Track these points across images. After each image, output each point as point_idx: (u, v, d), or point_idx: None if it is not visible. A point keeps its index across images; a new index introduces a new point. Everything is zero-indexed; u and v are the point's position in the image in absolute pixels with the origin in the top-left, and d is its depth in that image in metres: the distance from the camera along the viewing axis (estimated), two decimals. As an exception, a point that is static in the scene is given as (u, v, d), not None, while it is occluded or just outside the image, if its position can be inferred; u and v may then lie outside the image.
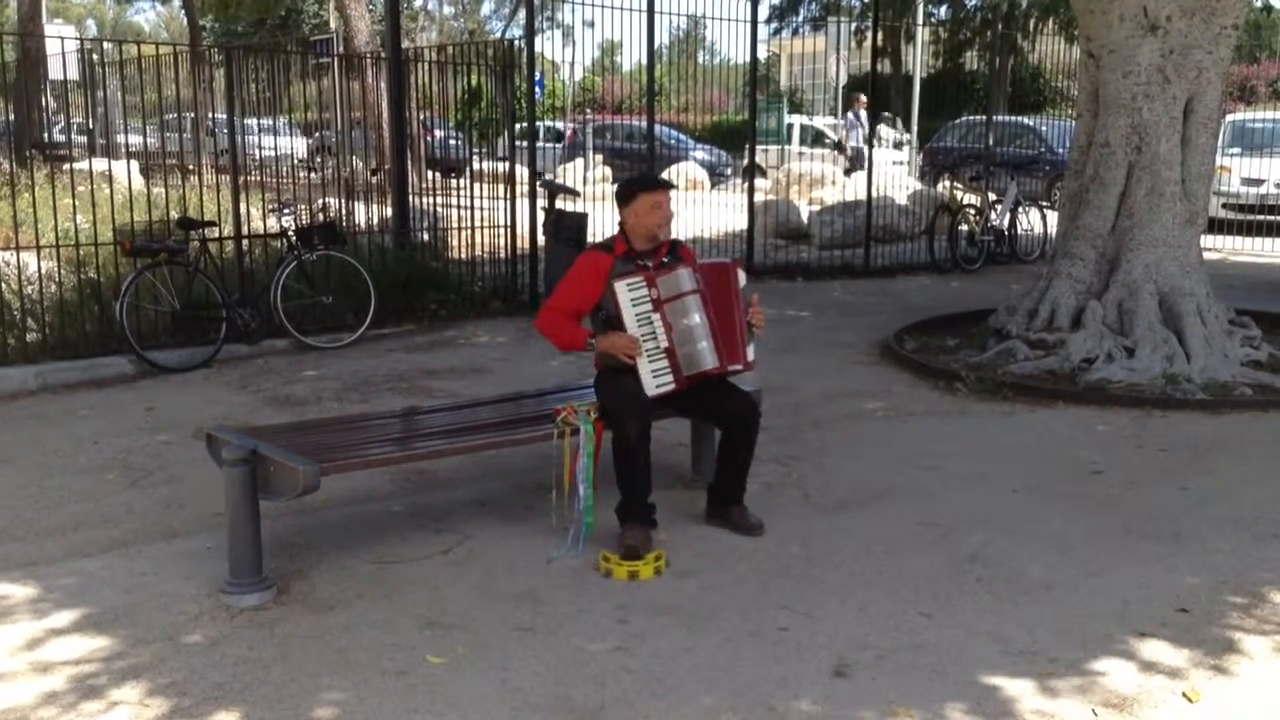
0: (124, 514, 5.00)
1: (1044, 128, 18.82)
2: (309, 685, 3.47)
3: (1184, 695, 3.43)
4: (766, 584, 4.24)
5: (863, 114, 18.40)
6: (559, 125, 20.43)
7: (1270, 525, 4.86)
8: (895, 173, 17.66)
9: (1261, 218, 15.23)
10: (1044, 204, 14.44)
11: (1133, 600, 4.10)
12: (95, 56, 10.21)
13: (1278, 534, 4.76)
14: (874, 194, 13.05)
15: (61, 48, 11.14)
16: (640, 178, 5.06)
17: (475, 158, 11.28)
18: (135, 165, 13.74)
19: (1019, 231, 13.47)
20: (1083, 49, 8.34)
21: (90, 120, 12.88)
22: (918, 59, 24.88)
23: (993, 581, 4.27)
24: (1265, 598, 4.12)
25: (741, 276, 4.78)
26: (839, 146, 19.70)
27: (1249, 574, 4.34)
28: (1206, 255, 8.58)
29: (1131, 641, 3.77)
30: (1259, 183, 15.30)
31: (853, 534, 4.76)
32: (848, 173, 16.90)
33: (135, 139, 15.20)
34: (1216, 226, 14.24)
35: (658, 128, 12.28)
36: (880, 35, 14.63)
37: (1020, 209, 13.47)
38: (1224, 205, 15.17)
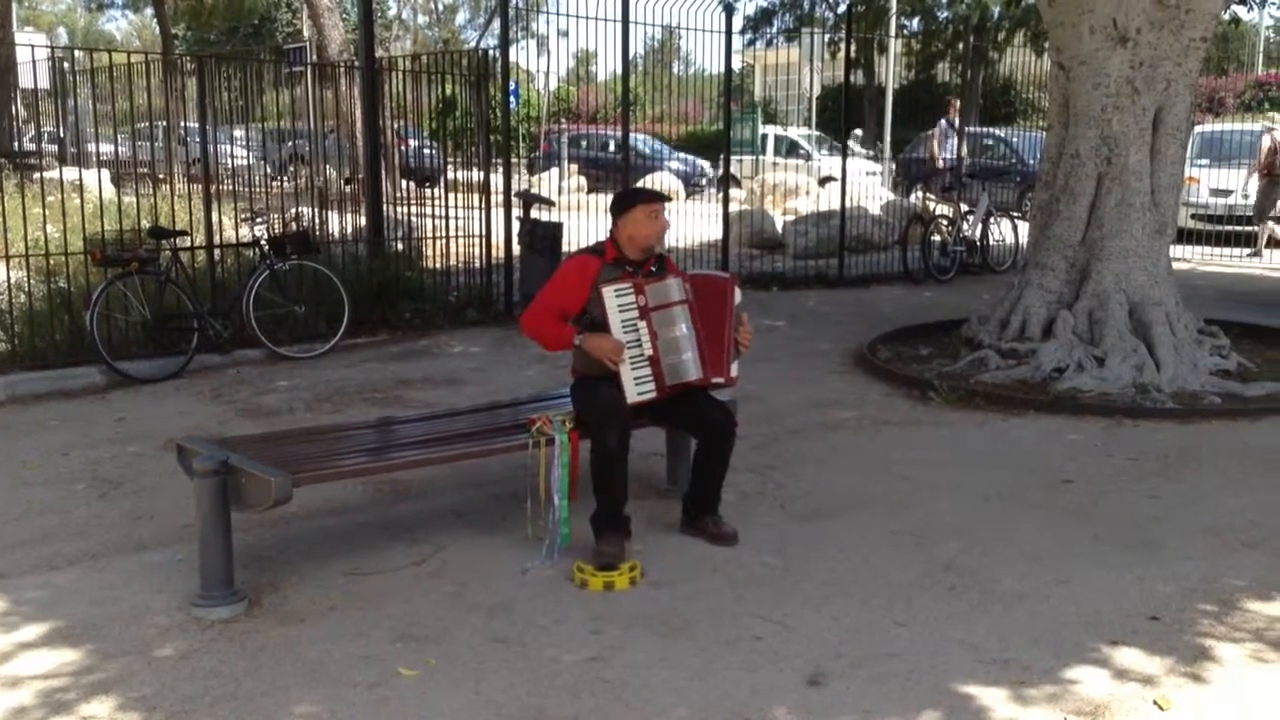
0: (93, 526, 4.95)
1: (1015, 139, 18.99)
2: (280, 698, 3.45)
3: (1155, 703, 3.45)
4: (741, 594, 4.24)
5: (957, 121, 15.71)
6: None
7: (1240, 533, 4.90)
8: (868, 183, 17.74)
9: (1230, 228, 15.41)
10: (1015, 214, 14.53)
11: (1104, 608, 4.12)
12: (66, 65, 10.14)
13: (1247, 541, 4.80)
14: (847, 204, 13.11)
15: (32, 56, 11.05)
16: (636, 189, 5.08)
17: (450, 167, 11.26)
18: (106, 174, 13.64)
19: (991, 242, 13.56)
20: (1053, 61, 8.41)
21: (61, 129, 12.78)
22: (890, 71, 25.04)
23: (966, 590, 4.29)
24: (1236, 605, 4.16)
25: (737, 293, 4.79)
26: (930, 160, 16.64)
27: (1219, 581, 4.37)
28: (1176, 265, 8.66)
29: (1103, 649, 3.79)
30: (1227, 193, 15.47)
31: (827, 543, 4.76)
32: (945, 190, 14.36)
33: (106, 148, 15.09)
34: (1185, 237, 14.39)
35: (633, 137, 12.29)
36: (853, 47, 14.68)
37: (992, 219, 13.56)
38: (1193, 216, 15.35)
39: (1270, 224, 15.24)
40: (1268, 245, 15.10)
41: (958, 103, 15.70)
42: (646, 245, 4.70)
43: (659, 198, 4.80)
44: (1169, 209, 8.05)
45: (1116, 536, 4.86)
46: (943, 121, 16.10)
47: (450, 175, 10.95)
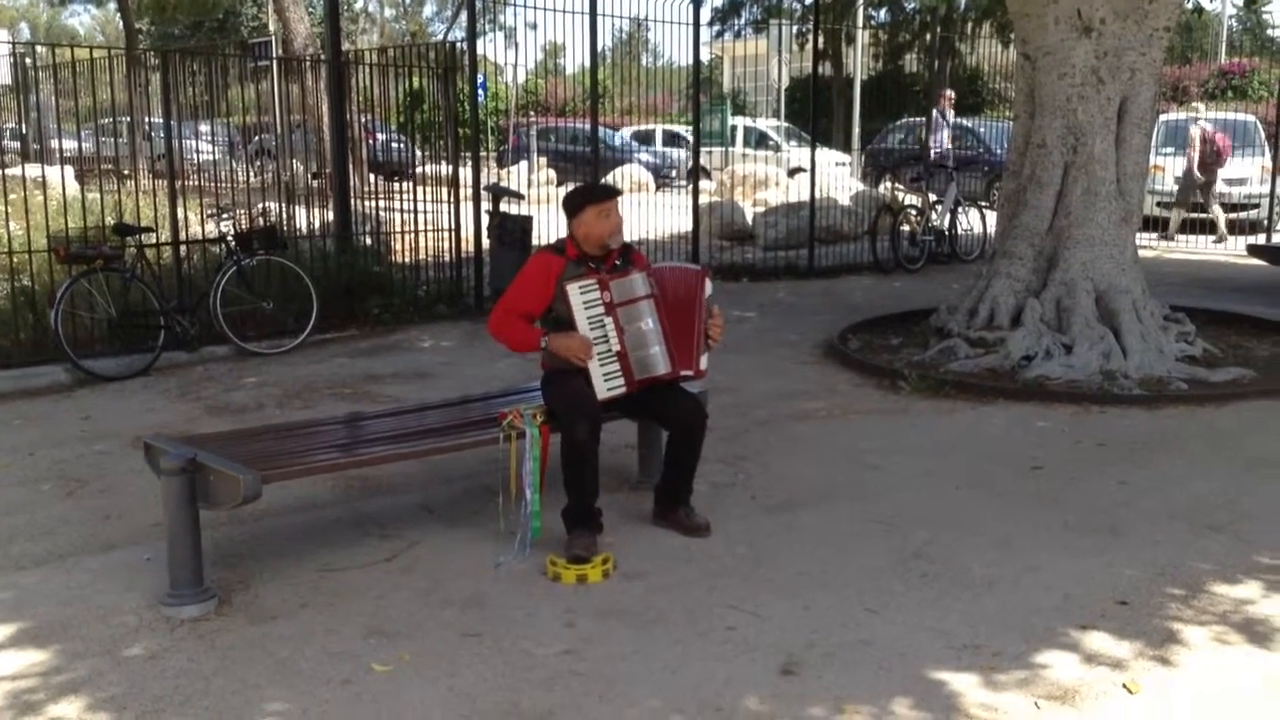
0: (60, 526, 4.90)
1: (982, 129, 19.09)
2: (251, 697, 3.42)
3: (1125, 686, 3.48)
4: (714, 584, 4.25)
5: (949, 112, 15.54)
6: None
7: (1206, 517, 4.95)
8: (838, 174, 17.78)
9: (1194, 215, 15.55)
10: (983, 204, 14.61)
11: (1073, 593, 4.16)
12: (29, 60, 10.04)
13: (1214, 526, 4.85)
14: (817, 195, 13.15)
15: (-8, 51, 10.93)
16: (585, 188, 5.04)
17: (418, 161, 11.21)
18: (70, 170, 13.50)
19: (959, 231, 13.63)
20: (1019, 51, 8.46)
21: (23, 125, 12.64)
22: (858, 61, 25.12)
23: (937, 577, 4.32)
24: (1203, 589, 4.20)
25: (708, 285, 4.78)
26: (922, 150, 16.46)
27: (1187, 566, 4.42)
28: (1141, 253, 8.74)
29: (1073, 634, 3.83)
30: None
31: (799, 533, 4.78)
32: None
33: (70, 144, 14.93)
34: (1151, 224, 14.53)
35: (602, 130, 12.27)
36: (821, 38, 14.71)
37: (960, 209, 13.63)
38: (1158, 204, 15.48)
39: (1180, 211, 15.45)
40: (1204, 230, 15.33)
41: (950, 94, 15.67)
42: (601, 243, 4.69)
43: (609, 195, 4.76)
44: (1135, 197, 8.12)
45: (1085, 522, 4.90)
46: (934, 111, 16.09)
47: (418, 169, 10.90)
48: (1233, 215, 15.57)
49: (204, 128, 11.80)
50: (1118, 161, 7.99)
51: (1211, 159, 15.08)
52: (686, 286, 4.72)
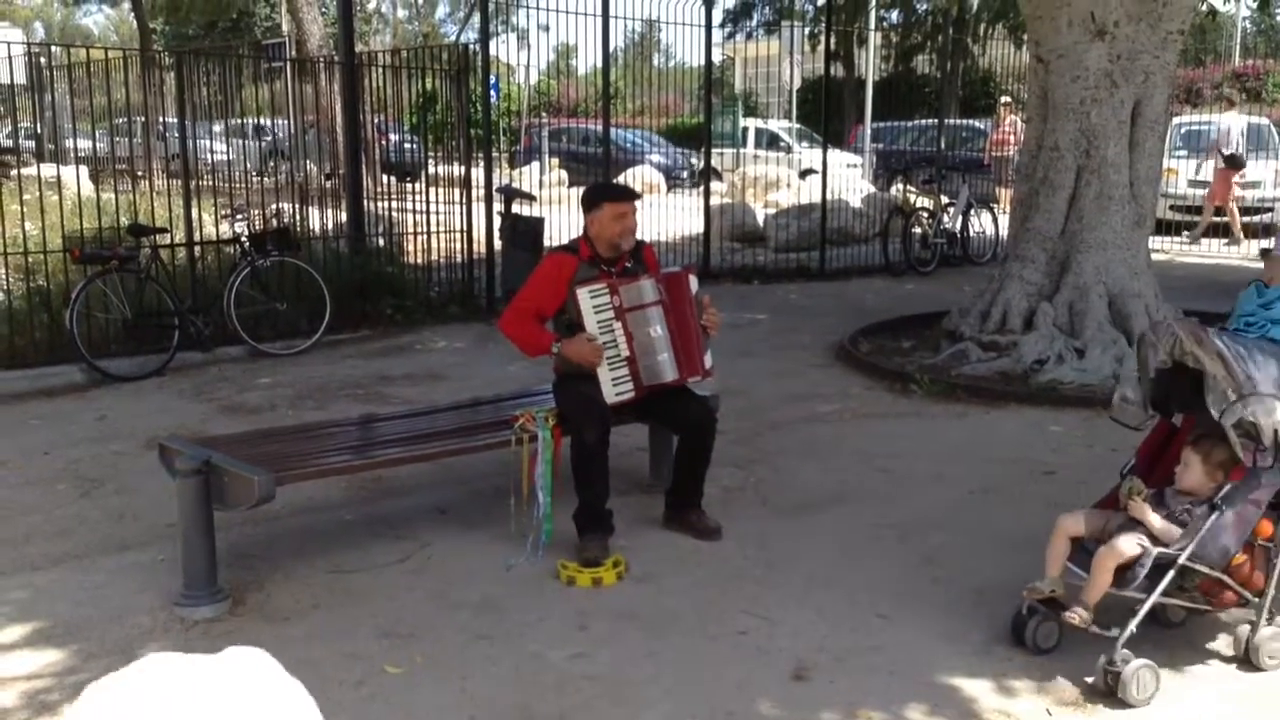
0: (76, 526, 4.93)
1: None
2: (266, 697, 3.43)
3: (1136, 692, 3.48)
4: (725, 588, 4.26)
5: (1019, 122, 14.73)
6: None
7: (1218, 523, 4.93)
8: (849, 176, 17.75)
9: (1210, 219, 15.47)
10: (995, 206, 14.57)
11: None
12: (43, 60, 10.09)
13: (1226, 532, 4.83)
14: (828, 197, 13.13)
15: (8, 51, 10.98)
16: (607, 186, 5.06)
17: (431, 162, 11.24)
18: (85, 171, 13.55)
19: (971, 234, 13.59)
20: (1032, 54, 8.45)
21: (38, 125, 12.70)
22: (870, 63, 25.06)
23: (948, 583, 4.31)
24: (1214, 595, 4.19)
25: (693, 283, 4.78)
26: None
27: (1198, 571, 4.40)
28: (1154, 257, 8.71)
29: (1085, 641, 3.81)
30: (1205, 185, 15.54)
31: (810, 537, 4.78)
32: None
33: (85, 144, 14.99)
34: (1164, 228, 14.47)
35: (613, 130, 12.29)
36: (833, 39, 14.68)
37: (972, 211, 13.60)
38: (1171, 207, 15.41)
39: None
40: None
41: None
42: (614, 244, 4.69)
43: (628, 197, 4.78)
44: (1147, 201, 8.10)
45: (1097, 527, 4.88)
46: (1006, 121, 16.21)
47: (431, 170, 10.92)
48: (1246, 219, 15.49)
49: (218, 128, 11.85)
50: (1131, 165, 7.97)
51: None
52: (676, 290, 4.72)
